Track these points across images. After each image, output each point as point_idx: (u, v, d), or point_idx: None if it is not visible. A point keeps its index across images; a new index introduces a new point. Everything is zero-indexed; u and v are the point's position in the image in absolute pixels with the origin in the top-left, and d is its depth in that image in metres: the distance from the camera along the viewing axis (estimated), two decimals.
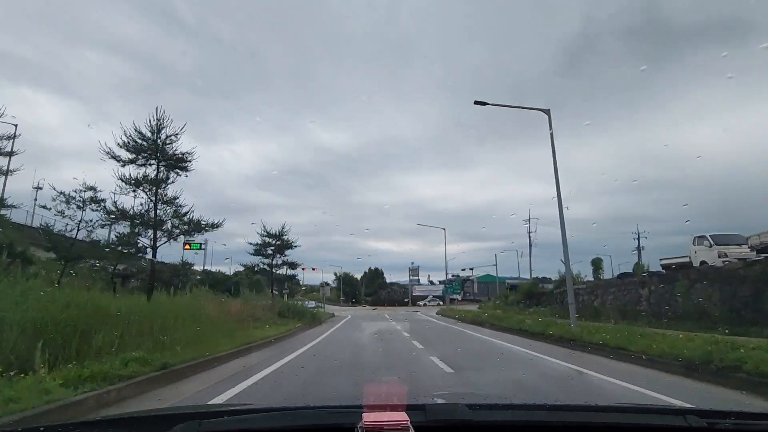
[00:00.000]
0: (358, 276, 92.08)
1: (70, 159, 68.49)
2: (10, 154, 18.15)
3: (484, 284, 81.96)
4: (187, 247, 70.96)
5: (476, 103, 15.97)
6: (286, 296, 56.90)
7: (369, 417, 1.05)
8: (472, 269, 73.07)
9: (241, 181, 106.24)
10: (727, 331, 11.62)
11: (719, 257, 18.13)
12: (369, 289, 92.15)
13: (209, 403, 3.86)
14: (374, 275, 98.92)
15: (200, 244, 77.31)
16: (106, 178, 19.82)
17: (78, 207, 14.07)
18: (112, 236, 15.10)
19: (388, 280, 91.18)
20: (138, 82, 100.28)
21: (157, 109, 14.04)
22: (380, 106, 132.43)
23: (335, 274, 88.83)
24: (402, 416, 1.05)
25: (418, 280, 77.90)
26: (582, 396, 6.02)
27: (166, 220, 14.31)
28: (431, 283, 79.57)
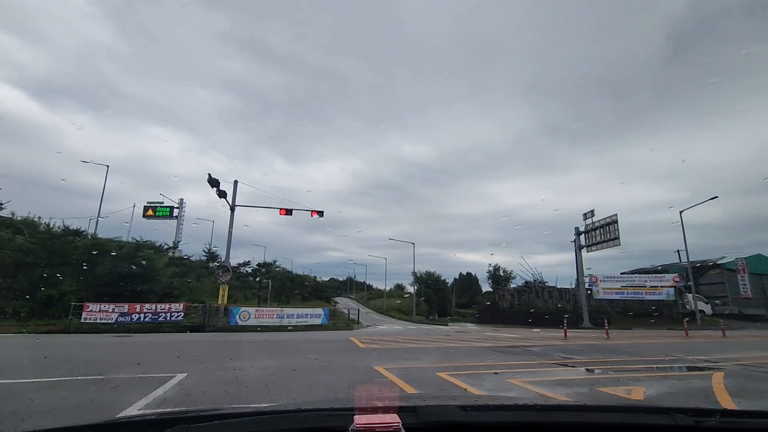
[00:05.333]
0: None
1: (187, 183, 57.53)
2: None
3: (757, 277, 34.93)
4: (150, 212, 28.98)
5: None
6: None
7: (360, 419, 1.02)
8: None
9: (330, 197, 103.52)
10: None
11: None
12: (462, 298, 70.27)
13: (201, 407, 2.98)
14: (467, 282, 79.61)
15: (169, 208, 42.07)
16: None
17: None
18: None
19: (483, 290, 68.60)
20: (240, 112, 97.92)
21: None
22: (462, 115, 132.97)
23: (414, 275, 56.27)
24: (393, 418, 1.03)
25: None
26: None
27: None
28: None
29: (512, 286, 42.12)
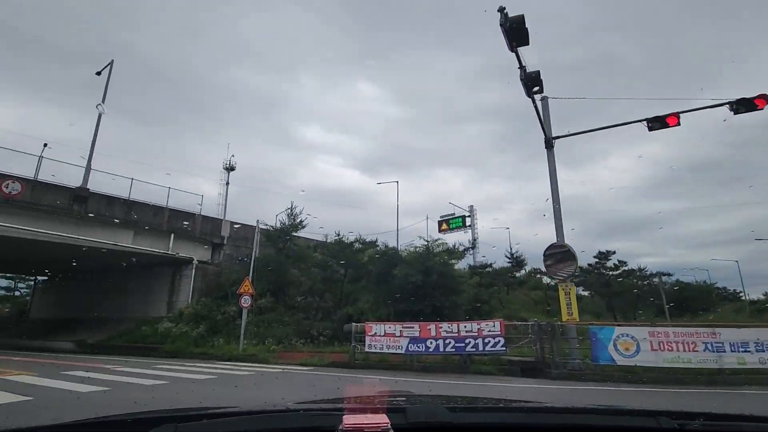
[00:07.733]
0: None
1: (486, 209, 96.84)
2: None
3: None
4: (445, 226, 38.37)
5: None
6: None
7: (349, 419, 1.01)
8: None
9: (625, 195, 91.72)
10: None
11: None
12: None
13: (187, 406, 2.43)
14: None
15: (461, 218, 41.86)
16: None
17: None
18: None
19: None
20: (505, 135, 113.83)
21: None
22: None
23: None
24: (382, 418, 1.02)
25: None
26: None
27: None
28: None
29: None
